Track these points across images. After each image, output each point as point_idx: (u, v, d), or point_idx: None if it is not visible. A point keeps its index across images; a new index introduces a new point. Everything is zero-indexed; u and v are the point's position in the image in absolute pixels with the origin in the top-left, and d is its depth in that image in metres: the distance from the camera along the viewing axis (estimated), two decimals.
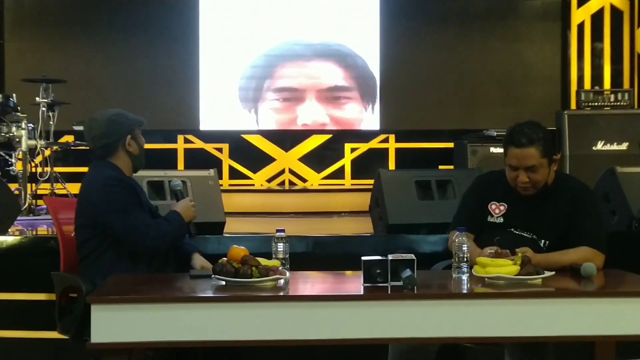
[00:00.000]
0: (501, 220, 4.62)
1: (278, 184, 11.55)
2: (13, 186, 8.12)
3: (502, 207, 4.65)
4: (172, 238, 4.47)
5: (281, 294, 3.78)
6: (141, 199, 4.56)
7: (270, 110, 11.69)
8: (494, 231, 4.55)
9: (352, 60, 11.74)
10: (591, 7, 11.62)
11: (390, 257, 3.82)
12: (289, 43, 11.72)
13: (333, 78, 11.73)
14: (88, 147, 4.68)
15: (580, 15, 11.65)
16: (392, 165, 11.56)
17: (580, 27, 11.67)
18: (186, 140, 11.28)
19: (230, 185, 11.24)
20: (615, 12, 11.63)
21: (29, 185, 8.61)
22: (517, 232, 4.54)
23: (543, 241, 4.47)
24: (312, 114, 11.67)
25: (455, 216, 4.81)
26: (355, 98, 11.76)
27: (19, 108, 8.68)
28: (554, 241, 4.45)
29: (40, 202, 8.56)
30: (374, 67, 11.65)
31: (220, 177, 10.73)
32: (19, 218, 7.28)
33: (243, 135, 11.55)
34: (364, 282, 3.80)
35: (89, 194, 4.47)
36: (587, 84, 11.44)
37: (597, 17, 11.65)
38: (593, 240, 4.38)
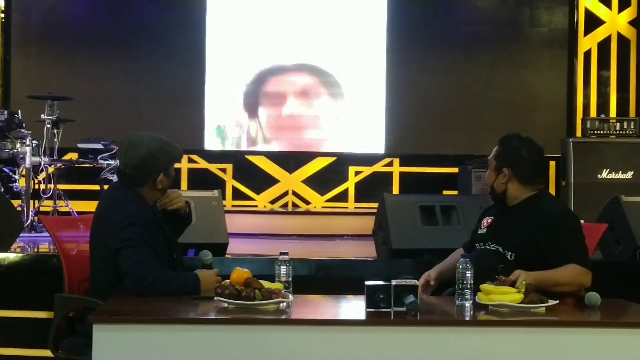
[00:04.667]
0: (484, 231, 4.74)
1: (281, 206, 11.53)
2: (16, 202, 8.11)
3: (489, 220, 4.76)
4: (172, 291, 4.19)
5: (283, 317, 3.77)
6: (158, 241, 4.43)
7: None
8: (478, 245, 4.75)
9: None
10: (598, 35, 11.62)
11: (393, 282, 3.80)
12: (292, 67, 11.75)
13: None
14: (110, 167, 4.61)
15: (587, 43, 11.65)
16: (395, 189, 11.55)
17: (587, 54, 11.67)
18: (190, 160, 11.28)
19: (233, 206, 11.21)
20: (622, 41, 11.64)
21: (31, 201, 8.61)
22: (491, 248, 4.63)
23: (510, 253, 4.53)
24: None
25: None
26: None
27: (24, 124, 8.70)
28: (521, 255, 4.48)
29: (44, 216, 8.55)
30: (380, 90, 11.64)
31: (224, 198, 10.70)
32: (21, 235, 7.28)
33: (247, 156, 11.54)
34: (367, 307, 3.79)
35: (109, 223, 4.37)
36: (593, 112, 11.44)
37: (603, 45, 11.65)
38: (578, 258, 4.38)
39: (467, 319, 3.88)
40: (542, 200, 4.64)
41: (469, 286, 3.98)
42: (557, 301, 3.96)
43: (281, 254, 4.17)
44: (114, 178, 8.32)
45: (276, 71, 11.75)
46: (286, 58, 11.74)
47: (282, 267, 4.14)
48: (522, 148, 4.68)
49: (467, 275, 3.98)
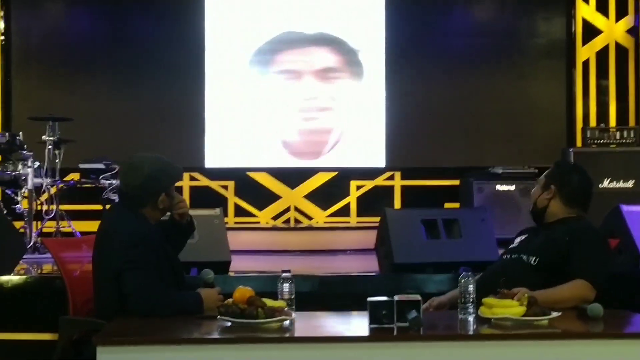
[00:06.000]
0: (516, 244, 4.87)
1: (283, 222, 11.53)
2: (19, 224, 8.14)
3: (522, 238, 4.90)
4: (175, 311, 4.18)
5: (287, 335, 3.78)
6: (161, 261, 4.44)
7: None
8: (504, 255, 4.89)
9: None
10: (596, 45, 11.65)
11: (396, 297, 3.81)
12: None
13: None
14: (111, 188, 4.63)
15: (585, 53, 11.67)
16: (397, 202, 11.55)
17: (586, 64, 11.69)
18: (191, 178, 11.30)
19: (235, 223, 11.22)
20: (620, 50, 11.66)
21: (34, 223, 8.62)
22: (510, 256, 4.77)
23: (534, 258, 4.59)
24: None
25: None
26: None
27: (25, 146, 8.71)
28: (543, 261, 4.57)
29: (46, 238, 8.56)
30: (380, 104, 11.66)
31: (226, 215, 10.71)
32: (24, 256, 7.30)
33: (248, 173, 11.55)
34: (370, 323, 3.79)
35: (112, 244, 4.39)
36: (593, 122, 11.45)
37: (602, 55, 11.67)
38: (588, 274, 4.40)
39: (470, 333, 3.88)
40: (579, 221, 4.74)
41: (471, 300, 3.99)
42: (560, 313, 3.96)
43: (283, 271, 4.18)
44: (116, 198, 8.33)
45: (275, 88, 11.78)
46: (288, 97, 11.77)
47: (284, 284, 4.15)
48: (574, 172, 4.92)
49: (470, 289, 4.00)
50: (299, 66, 11.72)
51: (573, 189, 4.81)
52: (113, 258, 4.32)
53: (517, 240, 4.91)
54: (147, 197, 4.51)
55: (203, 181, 11.40)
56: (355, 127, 11.68)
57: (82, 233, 8.46)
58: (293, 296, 4.14)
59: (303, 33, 11.75)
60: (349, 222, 11.48)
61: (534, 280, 4.33)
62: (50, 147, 8.95)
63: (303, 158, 11.69)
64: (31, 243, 8.30)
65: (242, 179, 11.51)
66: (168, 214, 4.70)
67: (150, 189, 4.51)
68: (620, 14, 11.66)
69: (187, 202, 9.90)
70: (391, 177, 11.65)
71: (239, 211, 11.46)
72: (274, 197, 11.58)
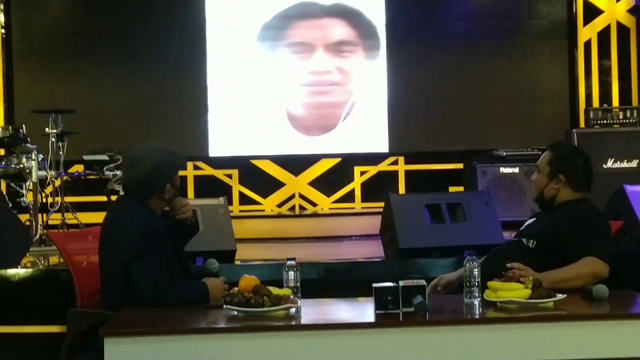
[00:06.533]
0: (523, 227, 4.90)
1: (288, 209, 11.54)
2: (24, 217, 8.16)
3: (531, 220, 4.93)
4: (182, 301, 4.22)
5: (293, 323, 3.81)
6: (169, 251, 4.48)
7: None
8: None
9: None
10: (597, 25, 11.62)
11: (401, 283, 3.82)
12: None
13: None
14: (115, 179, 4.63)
15: (586, 33, 11.65)
16: (402, 187, 11.55)
17: (587, 44, 11.67)
18: (196, 167, 11.30)
19: (240, 211, 11.23)
20: (622, 29, 11.63)
21: (40, 215, 8.64)
22: (515, 238, 4.82)
23: (532, 241, 4.62)
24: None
25: None
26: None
27: (28, 139, 8.72)
28: (542, 242, 4.59)
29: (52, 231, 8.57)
30: (382, 88, 11.65)
31: (231, 203, 10.74)
32: (31, 249, 7.32)
33: (252, 161, 11.55)
34: (376, 309, 3.81)
35: (119, 236, 4.42)
36: (596, 102, 11.43)
37: (603, 35, 11.64)
38: (596, 250, 4.40)
39: (476, 317, 3.90)
40: (581, 203, 4.73)
41: (476, 284, 4.00)
42: (565, 295, 3.97)
43: (288, 259, 4.19)
44: (121, 189, 8.34)
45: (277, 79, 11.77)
46: (285, 65, 11.75)
47: (289, 272, 4.15)
48: (577, 156, 4.86)
49: (475, 272, 4.01)
50: (312, 39, 11.71)
51: (580, 174, 4.79)
52: (121, 250, 4.34)
53: (526, 223, 4.93)
54: (153, 190, 4.53)
55: (207, 170, 11.40)
56: (358, 116, 11.66)
57: (88, 224, 8.48)
58: (298, 284, 4.14)
59: (318, 3, 11.71)
60: (353, 208, 11.48)
61: (532, 263, 4.32)
62: (53, 139, 8.96)
63: (311, 133, 11.67)
64: (37, 236, 8.31)
65: (246, 167, 11.51)
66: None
67: (155, 181, 4.53)
68: None
69: (192, 191, 9.90)
70: (395, 162, 11.64)
71: (244, 199, 11.47)
72: (278, 185, 11.58)
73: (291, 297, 3.96)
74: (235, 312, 3.84)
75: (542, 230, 4.63)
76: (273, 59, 11.62)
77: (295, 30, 11.66)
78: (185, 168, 4.52)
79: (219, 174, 11.47)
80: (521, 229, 4.90)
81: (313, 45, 11.61)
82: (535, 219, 4.89)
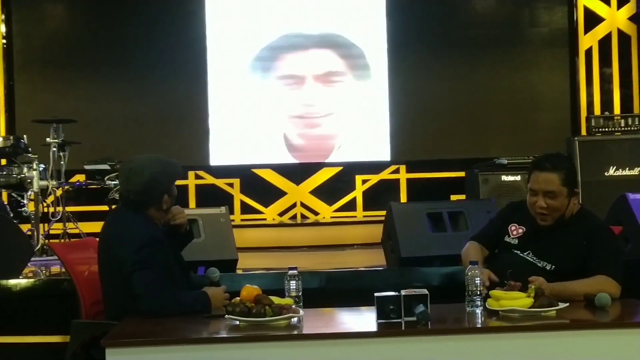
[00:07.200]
0: (516, 242, 4.70)
1: (290, 218, 11.54)
2: (26, 227, 8.15)
3: (520, 230, 4.72)
4: (183, 311, 4.21)
5: (295, 332, 3.79)
6: (170, 261, 4.47)
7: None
8: (505, 251, 4.68)
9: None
10: (598, 33, 11.64)
11: (403, 292, 3.81)
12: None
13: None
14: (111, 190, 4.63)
15: (587, 41, 11.67)
16: (403, 195, 11.55)
17: (588, 52, 11.69)
18: (197, 176, 11.30)
19: (242, 220, 11.24)
20: (623, 37, 11.65)
21: (41, 225, 8.63)
22: (523, 256, 4.60)
23: (550, 265, 4.50)
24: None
25: (478, 230, 5.03)
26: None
27: (29, 149, 8.72)
28: (562, 268, 4.46)
29: (53, 241, 8.57)
30: (383, 98, 11.66)
31: (232, 212, 10.73)
32: (32, 259, 7.31)
33: (254, 170, 11.56)
34: (378, 318, 3.80)
35: (120, 247, 4.40)
36: (597, 110, 11.44)
37: (604, 43, 11.67)
38: (610, 270, 4.35)
39: (478, 325, 3.88)
40: (589, 216, 4.68)
41: (478, 292, 3.99)
42: (567, 304, 3.96)
43: (290, 268, 4.18)
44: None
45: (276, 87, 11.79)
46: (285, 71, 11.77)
47: (291, 282, 4.15)
48: (572, 164, 4.78)
49: (477, 281, 3.99)
50: (301, 71, 11.73)
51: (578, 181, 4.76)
52: (123, 260, 4.33)
53: (512, 230, 4.73)
54: (151, 200, 4.54)
55: (209, 179, 11.40)
56: (360, 125, 11.68)
57: (89, 234, 8.47)
58: (300, 293, 4.14)
59: (304, 34, 11.74)
60: (355, 217, 11.49)
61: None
62: (54, 149, 8.95)
63: (310, 160, 11.71)
64: (38, 245, 8.30)
65: (247, 176, 11.53)
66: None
67: (153, 192, 4.53)
68: (622, 1, 11.65)
69: (193, 200, 9.89)
70: (396, 171, 11.65)
71: (245, 208, 11.47)
72: (279, 194, 11.59)
73: (293, 306, 3.95)
74: (237, 322, 3.83)
75: (563, 254, 4.51)
76: (266, 87, 11.73)
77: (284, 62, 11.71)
78: (182, 177, 4.51)
79: (221, 183, 11.47)
80: (510, 240, 4.72)
81: (302, 77, 11.71)
82: (524, 229, 4.70)
